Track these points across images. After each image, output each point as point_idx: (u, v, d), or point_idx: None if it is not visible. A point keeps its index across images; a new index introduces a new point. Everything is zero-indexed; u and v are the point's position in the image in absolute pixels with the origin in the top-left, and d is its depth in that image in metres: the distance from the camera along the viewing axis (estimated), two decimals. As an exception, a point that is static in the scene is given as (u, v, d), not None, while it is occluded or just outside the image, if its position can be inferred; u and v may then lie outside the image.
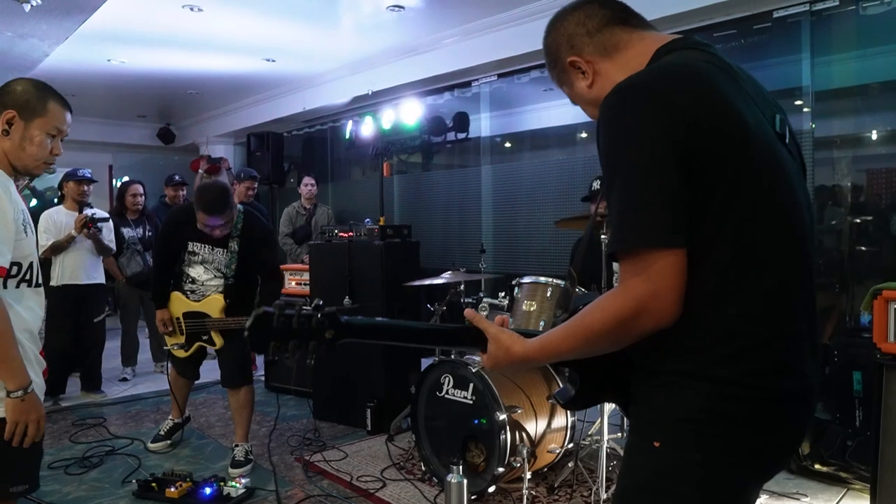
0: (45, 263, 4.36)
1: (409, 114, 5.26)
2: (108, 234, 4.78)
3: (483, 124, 5.83)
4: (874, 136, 4.22)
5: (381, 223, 4.41)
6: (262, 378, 5.09)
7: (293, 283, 5.04)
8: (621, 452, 2.78)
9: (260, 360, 5.24)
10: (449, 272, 3.61)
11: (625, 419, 3.19)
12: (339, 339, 1.16)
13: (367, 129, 5.50)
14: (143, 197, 5.38)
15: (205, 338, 3.47)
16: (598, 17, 1.22)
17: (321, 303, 1.15)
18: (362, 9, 4.72)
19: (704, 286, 1.02)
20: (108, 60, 5.88)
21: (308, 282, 4.61)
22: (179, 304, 3.50)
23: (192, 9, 4.60)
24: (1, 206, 1.67)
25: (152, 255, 4.93)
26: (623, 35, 1.21)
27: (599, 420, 2.98)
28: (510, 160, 6.90)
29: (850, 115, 4.21)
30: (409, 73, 5.66)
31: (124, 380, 5.35)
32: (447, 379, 3.10)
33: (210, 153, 7.87)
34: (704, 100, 1.03)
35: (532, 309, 3.20)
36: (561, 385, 3.05)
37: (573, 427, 3.16)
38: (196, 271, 3.48)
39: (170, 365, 3.69)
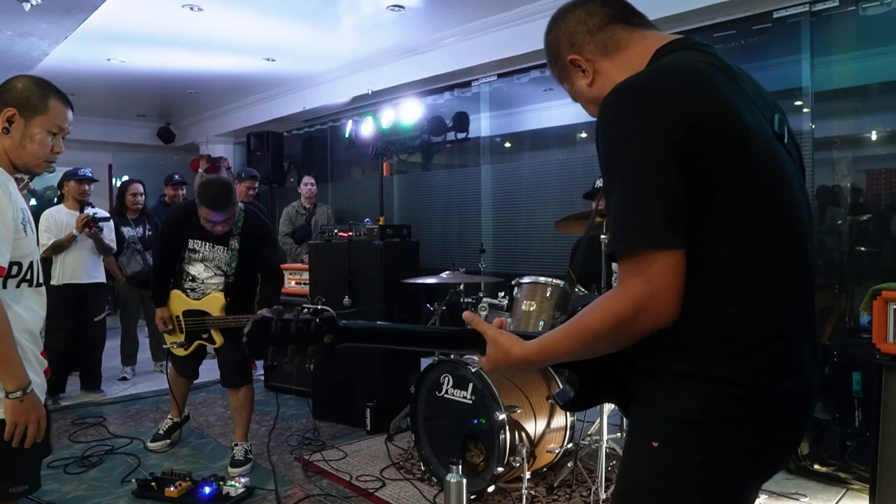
0: (46, 263, 4.36)
1: (409, 113, 5.26)
2: (108, 234, 4.78)
3: (483, 124, 5.83)
4: (874, 136, 4.21)
5: (381, 223, 4.41)
6: (262, 377, 5.10)
7: (293, 282, 5.04)
8: (620, 452, 2.77)
9: (260, 360, 5.24)
10: (448, 272, 3.61)
11: (624, 419, 3.18)
12: (337, 344, 1.16)
13: (366, 128, 5.50)
14: (143, 196, 5.38)
15: (205, 336, 3.47)
16: (599, 16, 1.21)
17: (324, 300, 1.15)
18: (362, 8, 4.72)
19: (704, 286, 1.02)
20: (108, 60, 5.88)
21: (308, 281, 4.61)
22: (179, 302, 3.50)
23: (192, 8, 4.60)
24: (0, 205, 1.66)
25: (152, 254, 4.93)
26: (624, 34, 1.21)
27: (599, 420, 2.98)
28: (510, 160, 6.89)
29: (850, 116, 4.21)
30: (409, 72, 5.66)
31: (124, 379, 5.35)
32: (446, 379, 3.10)
33: (210, 153, 7.88)
34: (705, 100, 1.03)
35: (531, 309, 3.20)
36: (560, 385, 3.06)
37: (572, 427, 3.16)
38: (196, 269, 3.47)
39: (169, 364, 3.69)
